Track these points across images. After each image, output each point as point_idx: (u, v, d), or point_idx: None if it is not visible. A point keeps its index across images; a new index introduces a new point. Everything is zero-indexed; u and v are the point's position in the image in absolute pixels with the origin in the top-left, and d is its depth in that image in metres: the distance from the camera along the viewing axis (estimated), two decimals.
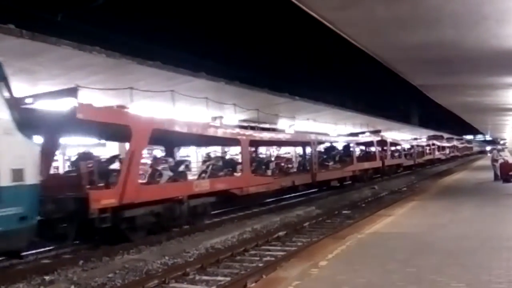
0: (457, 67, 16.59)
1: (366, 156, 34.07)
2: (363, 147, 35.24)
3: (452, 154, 69.24)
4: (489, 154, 66.94)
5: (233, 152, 25.34)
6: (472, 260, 7.02)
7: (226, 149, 25.88)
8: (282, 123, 31.51)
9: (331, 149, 29.06)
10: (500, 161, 22.38)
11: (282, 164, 23.26)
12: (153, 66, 16.87)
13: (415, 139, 55.26)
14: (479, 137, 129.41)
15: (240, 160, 18.46)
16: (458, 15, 10.57)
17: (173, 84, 18.90)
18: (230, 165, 18.29)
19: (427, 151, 52.32)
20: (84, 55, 14.19)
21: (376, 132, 36.46)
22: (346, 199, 21.80)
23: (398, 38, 12.60)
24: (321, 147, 28.57)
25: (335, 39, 14.72)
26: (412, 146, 47.19)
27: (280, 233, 13.04)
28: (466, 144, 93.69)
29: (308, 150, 25.17)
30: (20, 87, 14.73)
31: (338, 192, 24.19)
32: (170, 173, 14.44)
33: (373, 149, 33.91)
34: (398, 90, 61.18)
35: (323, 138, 28.59)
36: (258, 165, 20.65)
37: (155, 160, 15.74)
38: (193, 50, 38.40)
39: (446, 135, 72.55)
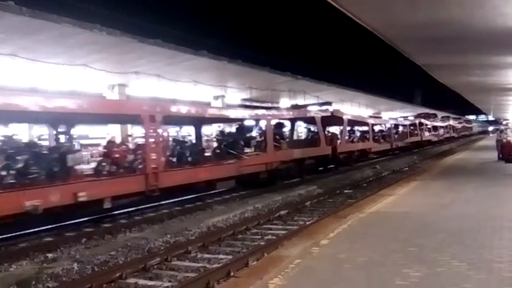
0: (462, 46, 16.41)
1: (306, 139, 24.62)
2: (303, 126, 25.81)
3: (446, 135, 60.85)
4: (491, 135, 66.65)
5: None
6: (474, 239, 7.02)
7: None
8: (284, 102, 31.48)
9: (246, 130, 18.77)
10: (503, 141, 22.30)
11: (117, 156, 13.04)
12: (154, 44, 16.77)
13: (403, 117, 46.36)
14: (482, 117, 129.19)
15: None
16: None
17: (174, 62, 18.81)
18: None
19: (414, 131, 43.52)
20: (85, 33, 14.09)
21: (323, 104, 26.58)
22: (347, 178, 21.81)
23: (403, 16, 12.42)
24: (230, 127, 19.85)
25: (338, 17, 14.52)
26: (390, 126, 37.58)
27: (282, 212, 13.08)
28: (464, 124, 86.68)
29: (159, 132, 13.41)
30: (21, 65, 14.69)
31: (339, 172, 24.17)
32: None
33: (319, 129, 23.15)
34: (402, 70, 61.00)
35: (184, 109, 15.43)
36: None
37: None
38: (194, 29, 38.04)
39: (441, 114, 67.22)
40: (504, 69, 22.28)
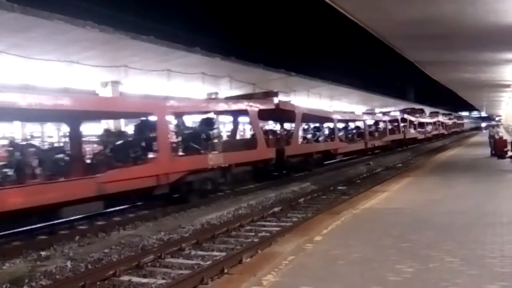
0: (454, 43, 16.49)
1: (237, 141, 19.49)
2: (231, 122, 20.21)
3: (435, 132, 57.36)
4: (484, 131, 66.90)
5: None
6: (466, 235, 7.06)
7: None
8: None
9: (142, 129, 13.78)
10: (495, 137, 22.44)
11: None
12: (147, 41, 16.70)
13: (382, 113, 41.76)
14: (475, 113, 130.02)
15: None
16: None
17: (167, 60, 18.76)
18: None
19: (395, 128, 39.35)
20: (77, 30, 14.02)
21: (267, 94, 20.24)
22: (341, 175, 21.85)
23: (396, 13, 12.47)
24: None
25: (332, 14, 14.53)
26: (363, 122, 32.55)
27: (276, 209, 13.09)
28: (455, 120, 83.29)
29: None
30: (13, 62, 14.59)
31: (333, 168, 24.22)
32: None
33: (254, 126, 18.32)
34: (395, 66, 61.12)
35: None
36: None
37: None
38: (187, 26, 37.84)
39: (430, 109, 65.20)
40: (496, 66, 22.41)
